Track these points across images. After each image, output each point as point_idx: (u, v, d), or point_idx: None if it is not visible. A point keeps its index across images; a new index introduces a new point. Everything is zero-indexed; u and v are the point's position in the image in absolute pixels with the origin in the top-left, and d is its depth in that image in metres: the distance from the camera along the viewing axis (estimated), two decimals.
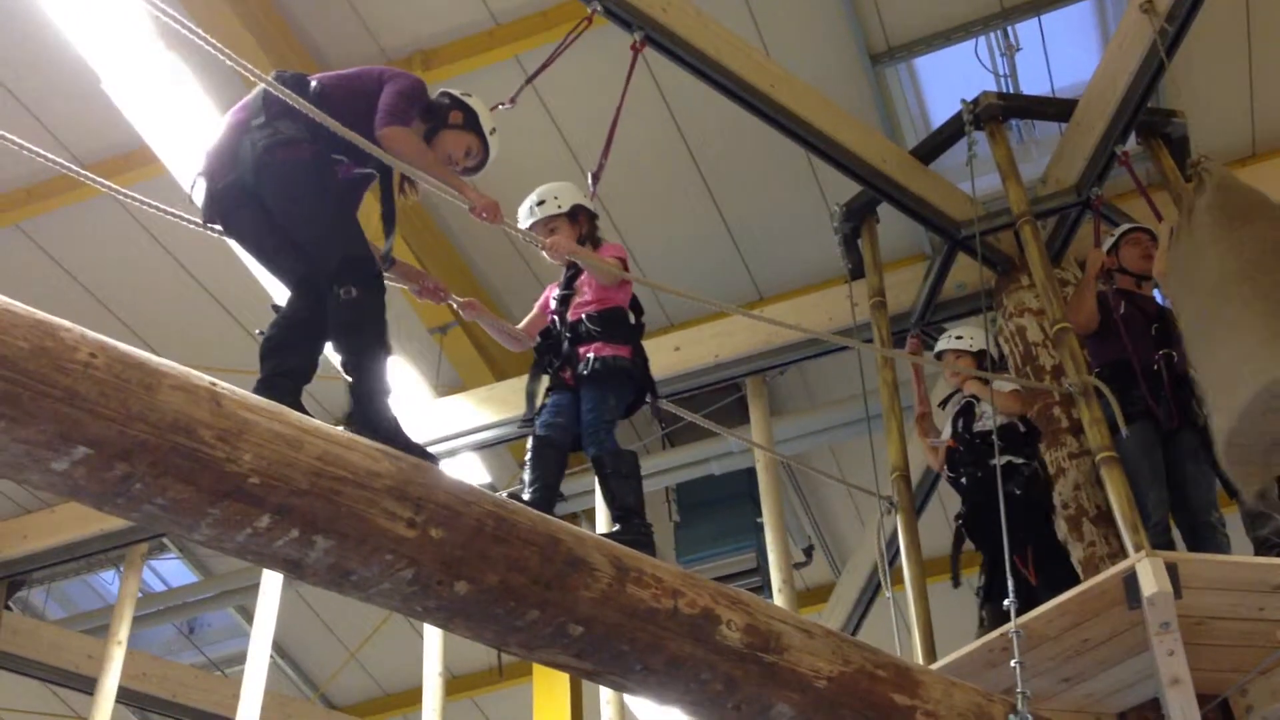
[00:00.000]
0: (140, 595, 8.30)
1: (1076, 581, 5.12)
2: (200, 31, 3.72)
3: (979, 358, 5.86)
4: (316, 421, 3.00)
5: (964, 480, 5.60)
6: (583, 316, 4.49)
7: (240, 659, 8.53)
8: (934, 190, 6.44)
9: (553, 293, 4.74)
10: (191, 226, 4.06)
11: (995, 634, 4.71)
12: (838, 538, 9.34)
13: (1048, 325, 5.78)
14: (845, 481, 6.86)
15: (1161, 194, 6.29)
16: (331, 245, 3.71)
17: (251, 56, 6.41)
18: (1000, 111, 6.44)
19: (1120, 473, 4.89)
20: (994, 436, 5.32)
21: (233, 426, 2.77)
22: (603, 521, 6.70)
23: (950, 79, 7.44)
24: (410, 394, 7.60)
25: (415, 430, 7.35)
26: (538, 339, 4.67)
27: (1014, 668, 4.01)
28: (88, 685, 7.78)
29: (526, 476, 4.23)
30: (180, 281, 7.62)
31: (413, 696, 9.28)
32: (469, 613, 3.11)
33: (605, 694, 6.88)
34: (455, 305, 4.68)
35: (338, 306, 3.59)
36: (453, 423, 7.52)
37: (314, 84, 3.96)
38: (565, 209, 4.69)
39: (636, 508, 4.16)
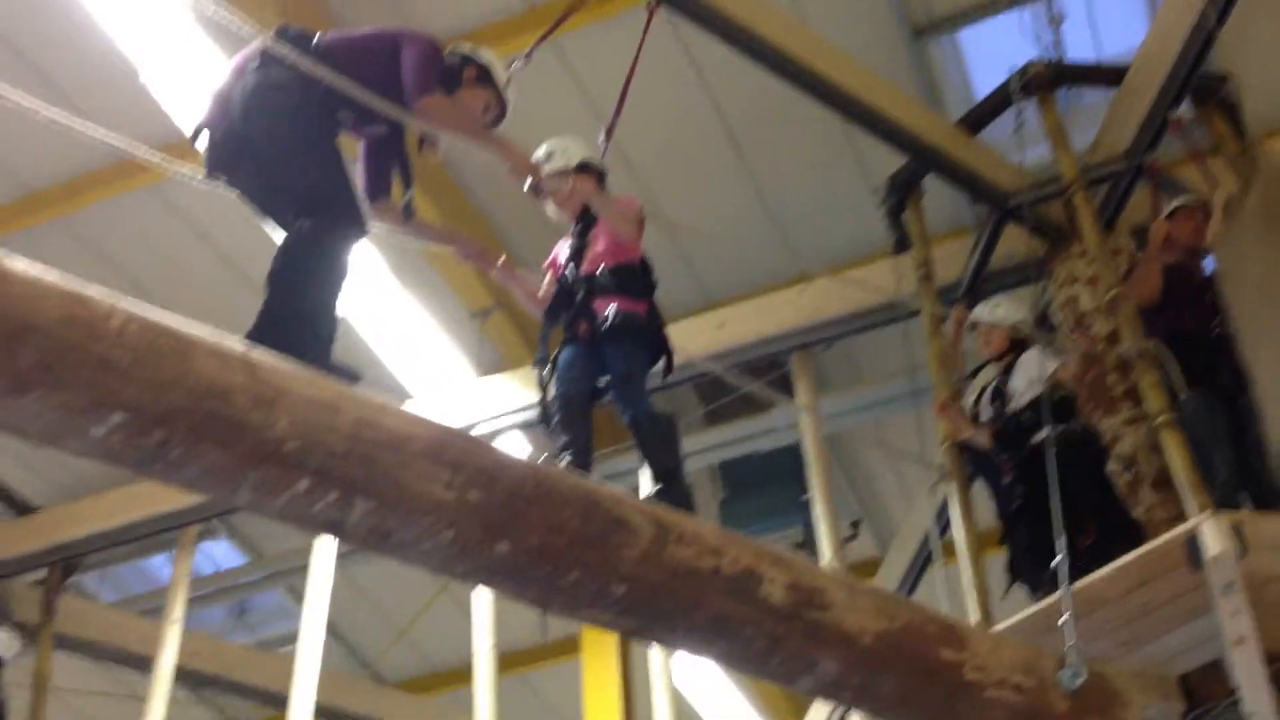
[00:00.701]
0: (191, 578, 8.36)
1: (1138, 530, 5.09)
2: (234, 15, 3.73)
3: (1013, 331, 5.76)
4: (346, 389, 2.99)
5: (1012, 463, 5.51)
6: (599, 270, 4.44)
7: (290, 639, 8.58)
8: (981, 161, 6.35)
9: (562, 246, 4.69)
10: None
11: (1053, 597, 4.66)
12: (883, 514, 9.27)
13: (1102, 292, 5.68)
14: (895, 450, 6.73)
15: (1217, 160, 6.17)
16: (303, 182, 3.65)
17: None
18: (1049, 80, 6.32)
19: (1179, 436, 4.84)
20: (1029, 408, 5.34)
21: (267, 392, 2.77)
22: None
23: (994, 52, 7.34)
24: (453, 374, 7.61)
25: (460, 411, 7.44)
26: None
27: (1064, 622, 3.96)
28: (143, 665, 7.86)
29: (559, 440, 4.19)
30: (221, 271, 7.66)
31: (463, 673, 9.33)
32: (510, 573, 3.10)
33: (655, 665, 6.88)
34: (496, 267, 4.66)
35: (290, 236, 3.55)
36: (497, 402, 7.52)
37: (316, 38, 3.93)
38: (573, 164, 4.65)
39: (676, 469, 4.13)
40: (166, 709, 7.36)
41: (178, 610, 7.71)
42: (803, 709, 7.88)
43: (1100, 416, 5.66)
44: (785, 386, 7.52)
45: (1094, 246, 5.60)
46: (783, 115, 7.20)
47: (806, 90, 6.03)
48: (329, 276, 3.62)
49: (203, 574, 9.41)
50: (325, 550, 7.42)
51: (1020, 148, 6.08)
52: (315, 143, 3.76)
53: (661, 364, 4.51)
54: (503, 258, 4.69)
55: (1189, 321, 5.37)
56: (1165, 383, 5.07)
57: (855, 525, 8.71)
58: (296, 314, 3.52)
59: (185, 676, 8.17)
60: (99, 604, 9.00)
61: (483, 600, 7.25)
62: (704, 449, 7.91)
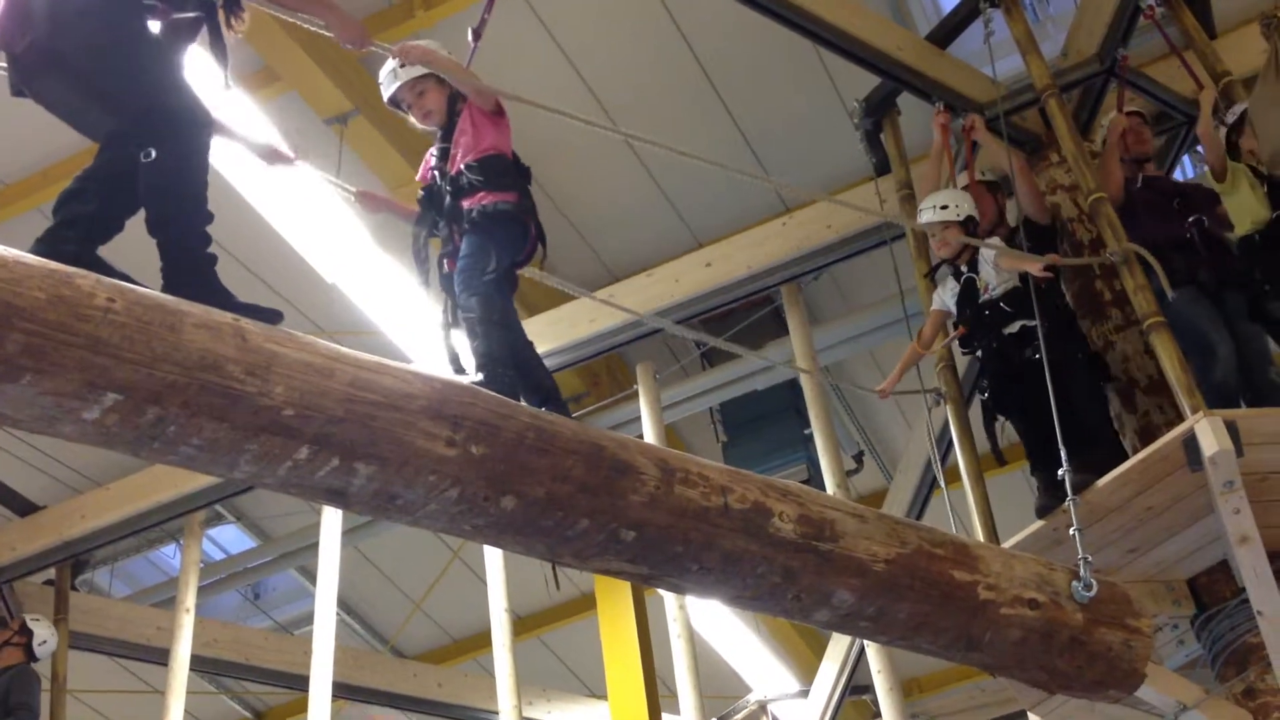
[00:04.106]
0: (202, 565, 8.37)
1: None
2: None
3: (967, 225, 5.62)
4: (345, 349, 2.96)
5: (980, 353, 5.46)
6: (462, 168, 4.13)
7: (307, 620, 8.63)
8: (954, 74, 6.31)
9: (431, 156, 4.39)
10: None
11: (1055, 512, 4.68)
12: (886, 442, 9.29)
13: (1082, 199, 5.65)
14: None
15: (1187, 54, 6.13)
16: (136, 97, 3.41)
17: (261, 21, 6.34)
18: None
19: (1170, 337, 4.81)
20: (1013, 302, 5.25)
21: (261, 360, 2.74)
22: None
23: None
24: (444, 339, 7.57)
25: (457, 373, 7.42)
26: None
27: (1073, 535, 3.96)
28: (161, 656, 7.88)
29: (521, 396, 3.78)
30: None
31: (481, 640, 9.40)
32: (518, 527, 3.08)
33: (671, 614, 6.90)
34: (352, 195, 4.44)
35: (142, 171, 3.32)
36: None
37: None
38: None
39: (501, 357, 3.81)
40: (185, 699, 7.39)
41: (190, 598, 7.72)
42: (820, 647, 7.94)
43: (1091, 324, 5.67)
44: (778, 324, 7.53)
45: (1071, 152, 5.55)
46: (755, 48, 7.15)
47: (775, 17, 6.00)
48: (203, 191, 3.43)
49: (213, 560, 9.44)
50: (332, 526, 7.42)
51: (991, 59, 6.02)
52: (138, 43, 3.48)
53: (539, 252, 4.23)
54: (362, 190, 4.48)
55: (1159, 229, 5.32)
56: (1153, 286, 5.05)
57: (859, 457, 8.73)
58: (200, 242, 3.37)
59: (203, 665, 8.21)
60: (112, 599, 8.99)
61: (495, 565, 7.26)
62: (702, 391, 7.90)
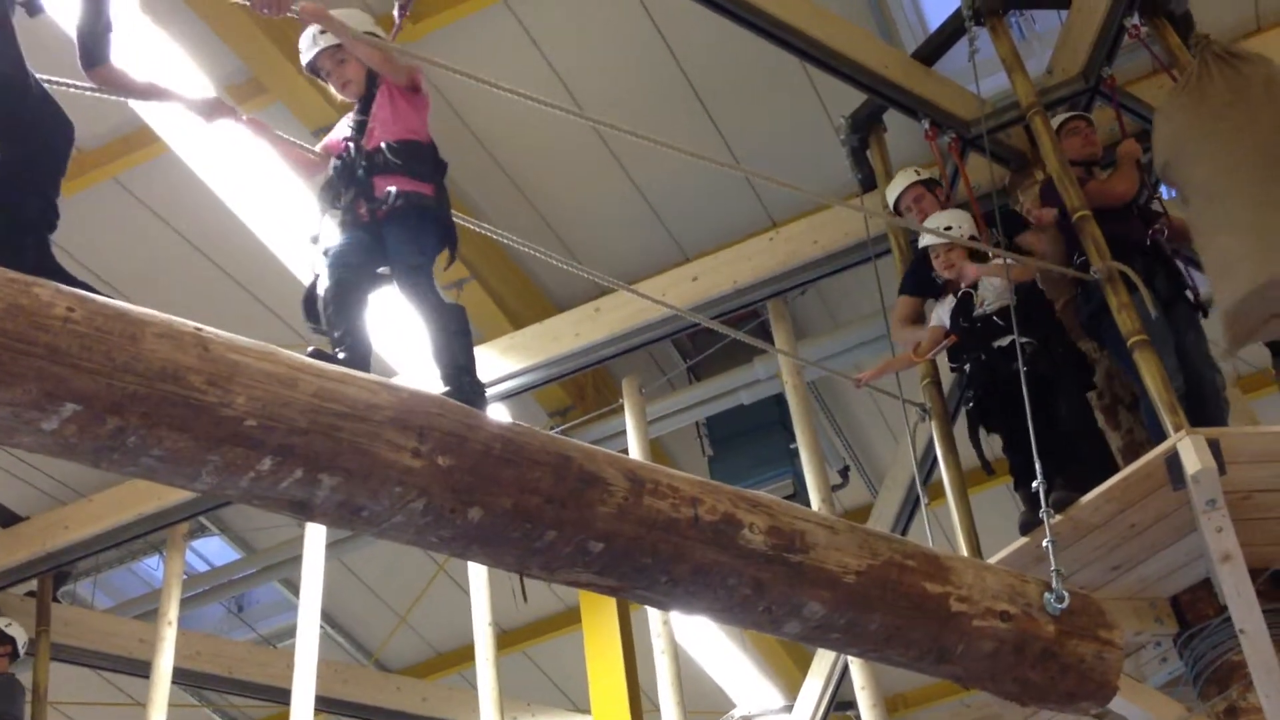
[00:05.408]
0: (185, 577, 8.32)
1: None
2: None
3: (970, 246, 5.62)
4: (309, 359, 2.94)
5: (968, 367, 5.45)
6: (382, 145, 4.02)
7: (291, 633, 8.58)
8: (939, 91, 6.34)
9: (343, 125, 4.30)
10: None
11: (1038, 528, 4.66)
12: (872, 457, 9.27)
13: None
14: (880, 390, 6.65)
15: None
16: None
17: (248, 33, 6.36)
18: (1000, 4, 6.28)
19: (1154, 355, 4.82)
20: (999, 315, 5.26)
21: (222, 370, 2.72)
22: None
23: None
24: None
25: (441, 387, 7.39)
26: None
27: (1046, 547, 3.95)
28: (142, 669, 7.83)
29: (333, 334, 3.82)
30: (188, 257, 7.55)
31: (465, 653, 9.36)
32: (486, 539, 3.06)
33: (655, 627, 6.87)
34: (242, 120, 4.28)
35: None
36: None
37: None
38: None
39: (467, 365, 3.76)
40: (167, 712, 7.34)
41: (172, 611, 7.68)
42: (805, 663, 7.91)
43: (1075, 340, 5.66)
44: (764, 338, 7.50)
45: (1056, 170, 5.55)
46: (742, 65, 7.15)
47: (761, 33, 6.04)
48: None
49: (197, 571, 9.39)
50: (316, 539, 7.38)
51: (977, 77, 6.03)
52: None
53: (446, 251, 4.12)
54: (253, 117, 4.35)
55: (1122, 233, 5.32)
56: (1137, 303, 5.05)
57: (845, 471, 8.71)
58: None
59: (185, 677, 8.16)
60: (94, 611, 8.94)
61: (479, 578, 7.23)
62: (688, 405, 7.90)
